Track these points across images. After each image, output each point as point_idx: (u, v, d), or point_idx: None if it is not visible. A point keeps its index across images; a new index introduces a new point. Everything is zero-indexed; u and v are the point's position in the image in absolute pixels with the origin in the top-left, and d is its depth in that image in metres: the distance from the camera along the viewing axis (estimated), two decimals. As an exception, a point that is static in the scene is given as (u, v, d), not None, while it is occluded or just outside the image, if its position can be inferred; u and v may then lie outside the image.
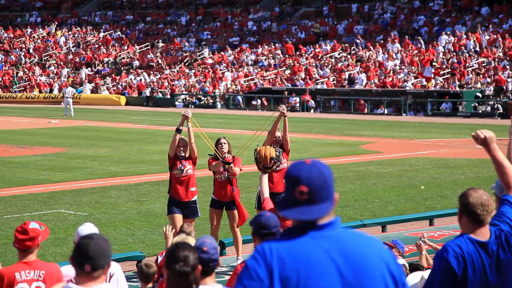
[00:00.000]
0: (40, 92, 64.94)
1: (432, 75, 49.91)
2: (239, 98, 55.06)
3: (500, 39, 52.49)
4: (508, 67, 48.98)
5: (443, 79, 49.60)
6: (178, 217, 12.25)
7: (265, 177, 8.70)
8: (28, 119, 45.50)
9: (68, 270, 6.64)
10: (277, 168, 11.92)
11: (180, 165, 12.35)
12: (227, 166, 12.49)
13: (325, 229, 3.57)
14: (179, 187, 12.35)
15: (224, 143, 12.54)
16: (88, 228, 6.99)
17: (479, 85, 47.81)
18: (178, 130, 12.24)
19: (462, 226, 5.24)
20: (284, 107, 12.62)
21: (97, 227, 7.21)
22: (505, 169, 5.40)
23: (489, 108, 46.22)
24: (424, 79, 50.08)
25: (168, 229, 8.97)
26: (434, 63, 51.58)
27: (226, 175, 12.56)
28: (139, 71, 64.75)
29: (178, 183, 12.36)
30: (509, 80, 47.52)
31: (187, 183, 12.37)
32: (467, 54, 51.92)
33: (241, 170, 12.67)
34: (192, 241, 7.49)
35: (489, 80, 47.92)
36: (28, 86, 66.65)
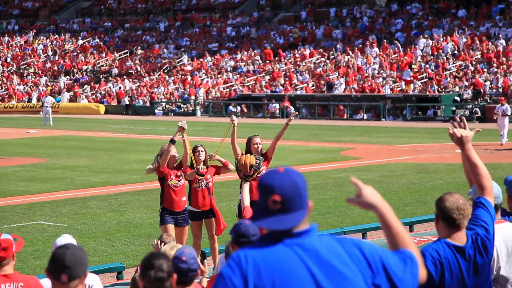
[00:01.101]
0: (18, 101, 64.59)
1: (411, 78, 50.14)
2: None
3: (477, 42, 52.80)
4: (485, 70, 49.26)
5: (421, 83, 49.83)
6: (171, 227, 12.23)
7: (246, 186, 8.74)
8: (6, 129, 45.21)
9: (47, 283, 6.60)
10: (257, 176, 11.87)
11: (175, 174, 12.34)
12: (201, 176, 12.46)
13: (301, 237, 3.55)
14: (174, 197, 12.30)
15: (201, 151, 12.48)
16: (66, 240, 6.95)
17: (457, 89, 48.06)
18: (173, 141, 12.21)
19: (439, 231, 5.28)
20: (235, 118, 12.52)
21: (75, 238, 7.17)
22: (479, 170, 5.44)
23: (467, 112, 46.45)
24: (403, 82, 50.29)
25: (158, 242, 8.98)
26: (413, 66, 51.82)
27: (204, 183, 12.53)
28: (118, 78, 64.58)
29: (174, 193, 12.31)
30: (486, 83, 47.78)
31: (180, 192, 12.36)
32: (445, 58, 52.19)
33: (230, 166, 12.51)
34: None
35: (466, 83, 48.19)
36: (6, 96, 66.27)
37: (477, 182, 5.46)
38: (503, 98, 36.76)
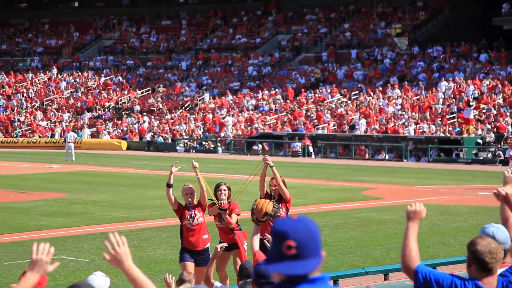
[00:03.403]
0: (40, 137, 65.00)
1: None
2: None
3: (499, 85, 52.73)
4: (508, 113, 49.11)
5: (443, 125, 49.68)
6: (190, 265, 12.15)
7: (256, 237, 8.84)
8: (29, 164, 45.45)
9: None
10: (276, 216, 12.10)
11: (190, 214, 12.29)
12: (221, 212, 12.45)
13: (317, 283, 3.51)
14: (191, 236, 12.25)
15: (224, 190, 12.42)
16: (98, 278, 6.94)
17: (479, 132, 47.90)
18: (169, 185, 12.27)
19: (470, 275, 5.24)
20: (268, 158, 12.56)
21: (107, 277, 7.14)
22: None
23: (490, 155, 46.24)
24: (425, 125, 50.10)
25: (169, 277, 8.93)
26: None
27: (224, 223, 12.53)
28: (139, 115, 64.91)
29: (190, 232, 12.26)
30: (509, 127, 47.59)
31: (199, 231, 12.28)
32: (467, 101, 52.10)
33: (239, 215, 12.62)
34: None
35: (489, 126, 48.03)
36: (29, 131, 66.75)
37: None
38: (511, 142, 36.52)
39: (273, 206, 9.85)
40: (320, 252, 3.52)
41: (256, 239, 8.66)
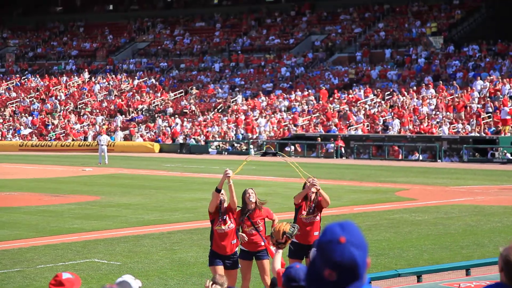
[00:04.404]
0: (73, 140, 65.43)
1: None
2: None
3: (536, 84, 52.11)
4: (544, 112, 48.48)
5: (478, 124, 49.19)
6: (220, 269, 12.21)
7: (278, 256, 8.97)
8: (63, 167, 45.75)
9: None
10: (308, 221, 12.22)
11: (221, 221, 12.30)
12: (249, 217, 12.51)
13: None
14: (222, 242, 12.30)
15: (252, 193, 12.61)
16: (128, 281, 6.89)
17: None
18: (218, 190, 12.22)
19: (502, 279, 5.10)
20: (315, 181, 12.78)
21: (136, 279, 7.09)
22: None
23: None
24: (460, 125, 49.64)
25: (210, 283, 8.96)
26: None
27: (255, 227, 12.52)
28: (171, 118, 65.07)
29: (221, 238, 12.30)
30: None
31: (229, 237, 12.32)
32: (503, 100, 51.54)
33: (272, 218, 12.63)
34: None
35: (525, 126, 47.48)
36: (63, 134, 67.23)
37: None
38: None
39: (290, 225, 10.02)
40: (363, 275, 3.50)
41: (278, 261, 8.76)
